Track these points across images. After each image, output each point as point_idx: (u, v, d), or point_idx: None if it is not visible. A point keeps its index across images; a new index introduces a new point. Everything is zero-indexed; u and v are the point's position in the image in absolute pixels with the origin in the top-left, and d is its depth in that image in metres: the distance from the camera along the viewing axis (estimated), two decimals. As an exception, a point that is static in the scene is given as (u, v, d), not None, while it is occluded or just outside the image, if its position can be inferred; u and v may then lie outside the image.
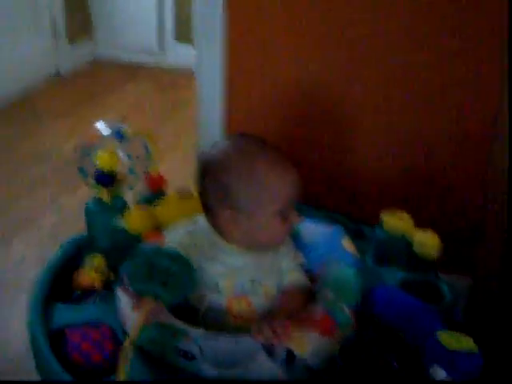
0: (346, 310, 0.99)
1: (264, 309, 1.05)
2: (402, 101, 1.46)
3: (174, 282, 0.92)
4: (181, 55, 3.55)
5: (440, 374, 0.86)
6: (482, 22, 1.34)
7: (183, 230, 1.10)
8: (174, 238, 1.09)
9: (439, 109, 1.45)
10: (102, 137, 1.30)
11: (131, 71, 3.61)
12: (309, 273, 1.13)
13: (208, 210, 1.07)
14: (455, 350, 0.85)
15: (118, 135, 1.26)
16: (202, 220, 1.10)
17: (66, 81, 3.44)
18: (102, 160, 1.23)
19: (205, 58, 1.58)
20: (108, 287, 1.15)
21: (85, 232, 1.28)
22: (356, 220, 1.32)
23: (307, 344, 0.94)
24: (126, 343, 0.88)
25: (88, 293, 1.16)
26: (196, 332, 0.94)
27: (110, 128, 1.30)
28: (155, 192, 1.36)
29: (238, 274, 1.05)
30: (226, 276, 1.05)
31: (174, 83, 3.42)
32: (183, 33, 3.57)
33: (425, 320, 0.96)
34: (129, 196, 1.33)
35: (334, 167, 1.56)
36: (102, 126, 1.33)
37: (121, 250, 1.17)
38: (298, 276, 1.09)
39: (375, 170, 1.54)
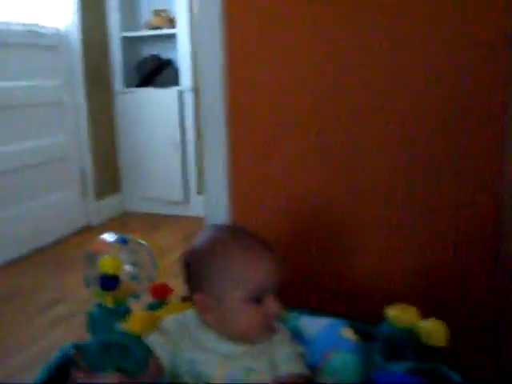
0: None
1: (258, 399, 1.00)
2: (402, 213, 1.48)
3: (132, 354, 0.88)
4: (202, 205, 3.68)
5: None
6: None
7: (171, 319, 1.10)
8: (161, 328, 1.09)
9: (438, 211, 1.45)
10: (106, 244, 1.33)
11: (157, 221, 3.75)
12: (311, 367, 1.08)
13: (189, 297, 1.08)
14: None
15: (122, 240, 1.29)
16: (191, 311, 1.10)
17: (96, 231, 3.56)
18: (106, 264, 1.25)
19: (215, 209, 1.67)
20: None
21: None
22: (360, 321, 1.28)
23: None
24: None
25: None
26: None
27: (115, 236, 1.34)
28: (159, 300, 1.36)
29: (231, 363, 1.02)
30: (218, 365, 1.02)
31: (198, 230, 3.50)
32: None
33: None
34: (133, 304, 1.33)
35: (335, 273, 1.55)
36: (107, 235, 1.37)
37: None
38: (295, 365, 1.05)
39: (376, 274, 1.52)
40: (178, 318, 1.10)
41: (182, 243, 3.38)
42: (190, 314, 1.09)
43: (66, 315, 2.43)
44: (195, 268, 1.06)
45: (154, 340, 1.06)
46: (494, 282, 1.42)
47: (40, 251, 3.21)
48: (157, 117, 3.77)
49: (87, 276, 1.34)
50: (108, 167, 3.87)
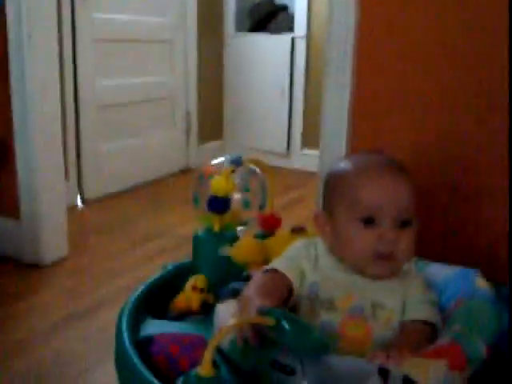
0: (480, 344, 0.82)
1: (383, 338, 0.90)
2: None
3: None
4: (306, 159, 3.59)
5: None
6: None
7: (298, 242, 1.04)
8: (288, 252, 1.02)
9: None
10: (219, 166, 1.26)
11: (257, 171, 3.69)
12: (441, 313, 0.97)
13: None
14: None
15: (237, 161, 1.22)
16: (320, 240, 1.02)
17: (194, 173, 3.56)
18: (218, 184, 1.18)
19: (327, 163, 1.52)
20: (206, 311, 1.05)
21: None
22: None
23: (431, 372, 0.77)
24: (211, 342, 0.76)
25: (184, 315, 1.07)
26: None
27: (229, 157, 1.26)
28: (268, 231, 1.28)
29: (358, 294, 0.93)
30: (344, 294, 0.93)
31: (298, 183, 3.41)
32: (309, 139, 3.63)
33: None
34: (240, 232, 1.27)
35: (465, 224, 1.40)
36: (220, 158, 1.30)
37: (224, 279, 1.09)
38: (427, 311, 0.93)
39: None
40: (306, 241, 1.03)
41: (281, 194, 3.30)
42: (319, 241, 1.02)
43: (162, 248, 2.43)
44: (323, 189, 1.02)
45: (280, 263, 0.99)
46: None
47: (141, 187, 3.23)
48: (266, 64, 3.66)
49: (196, 194, 1.28)
50: (213, 112, 3.82)
